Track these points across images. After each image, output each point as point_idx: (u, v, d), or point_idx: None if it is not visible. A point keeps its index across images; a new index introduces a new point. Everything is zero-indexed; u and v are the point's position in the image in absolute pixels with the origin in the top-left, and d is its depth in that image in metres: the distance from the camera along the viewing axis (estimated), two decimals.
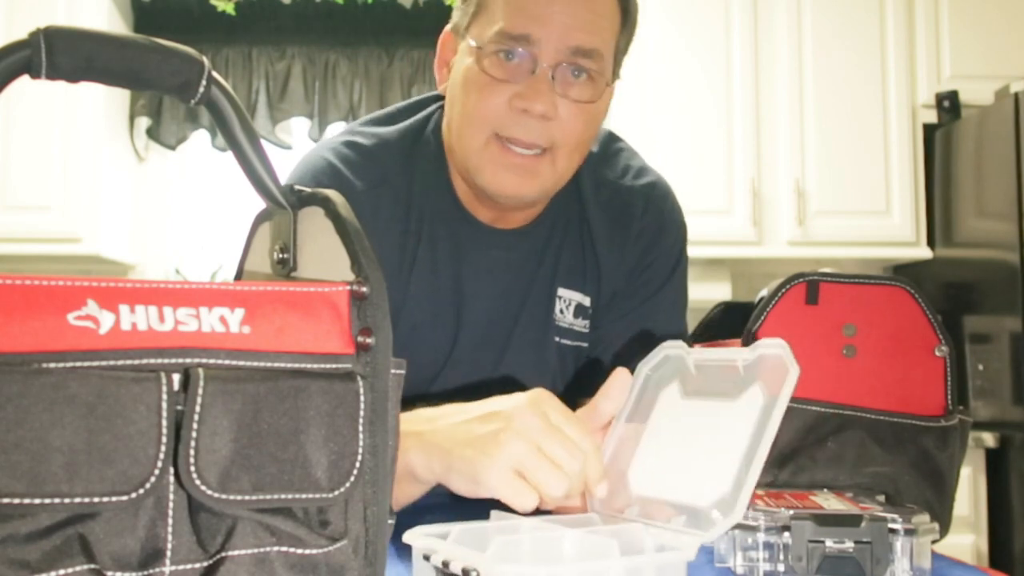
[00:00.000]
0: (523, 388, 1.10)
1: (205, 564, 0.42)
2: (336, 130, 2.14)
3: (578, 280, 1.14)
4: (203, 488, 0.40)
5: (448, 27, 1.07)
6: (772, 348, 0.78)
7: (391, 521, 0.48)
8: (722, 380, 0.82)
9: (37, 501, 0.37)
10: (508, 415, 0.77)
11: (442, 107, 1.12)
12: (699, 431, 0.81)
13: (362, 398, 0.45)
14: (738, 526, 0.73)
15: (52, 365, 0.39)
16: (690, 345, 1.15)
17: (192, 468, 0.40)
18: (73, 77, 0.45)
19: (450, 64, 1.06)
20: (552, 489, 0.74)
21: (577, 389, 1.18)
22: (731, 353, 0.82)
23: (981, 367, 2.71)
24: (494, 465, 0.74)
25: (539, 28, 0.96)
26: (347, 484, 0.44)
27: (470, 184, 1.05)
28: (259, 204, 0.55)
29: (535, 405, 0.77)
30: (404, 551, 0.73)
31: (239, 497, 0.41)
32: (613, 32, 1.02)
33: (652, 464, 0.83)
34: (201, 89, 0.48)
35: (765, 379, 0.78)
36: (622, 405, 0.87)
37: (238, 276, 0.58)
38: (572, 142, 1.01)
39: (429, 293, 1.09)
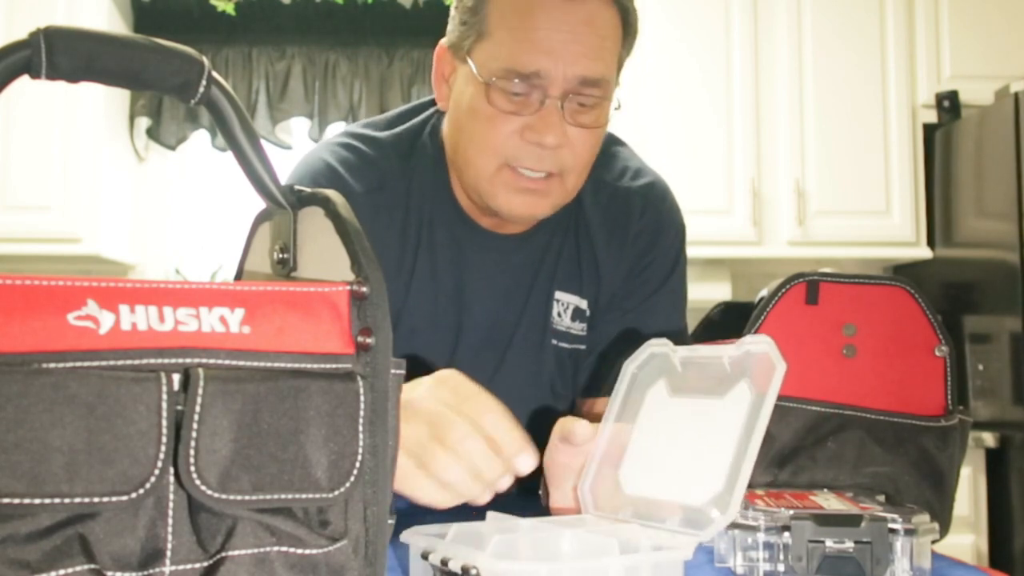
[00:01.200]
0: (521, 391, 1.11)
1: (205, 564, 0.42)
2: (336, 130, 2.14)
3: (575, 284, 1.14)
4: (203, 488, 0.40)
5: (444, 42, 1.06)
6: (759, 345, 0.78)
7: (391, 521, 0.48)
8: (709, 377, 0.82)
9: (37, 501, 0.37)
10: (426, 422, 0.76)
11: (438, 112, 1.12)
12: (688, 429, 0.81)
13: (362, 398, 0.45)
14: (738, 526, 0.73)
15: (52, 365, 0.39)
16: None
17: (192, 468, 0.40)
18: (73, 77, 0.45)
19: (449, 81, 1.05)
20: (466, 491, 0.75)
21: (580, 390, 1.18)
22: (717, 350, 0.82)
23: (981, 367, 2.71)
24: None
25: (548, 62, 0.96)
26: (347, 484, 0.44)
27: (480, 204, 1.06)
28: (259, 204, 0.55)
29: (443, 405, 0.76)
30: (402, 551, 0.73)
31: (239, 497, 0.41)
32: (616, 50, 1.02)
33: (643, 464, 0.83)
34: (201, 89, 0.48)
35: (752, 375, 0.78)
36: (610, 405, 0.87)
37: (238, 276, 0.58)
38: (581, 164, 1.03)
39: (429, 297, 1.09)
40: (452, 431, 0.75)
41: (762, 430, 0.73)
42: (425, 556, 0.67)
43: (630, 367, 0.88)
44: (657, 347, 0.88)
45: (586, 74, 0.97)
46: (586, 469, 0.85)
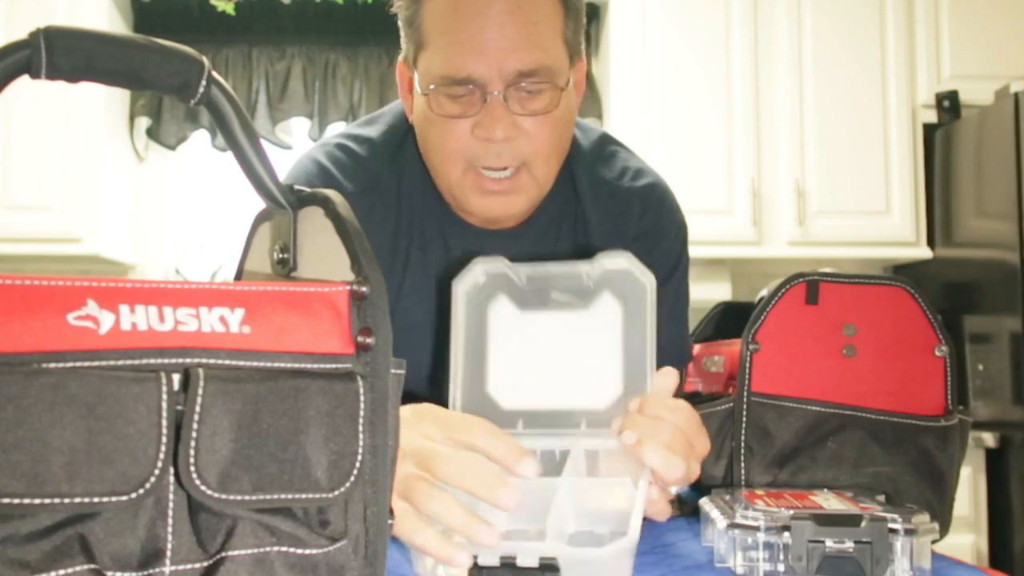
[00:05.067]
0: None
1: (205, 564, 0.42)
2: (336, 130, 2.13)
3: None
4: (203, 488, 0.40)
5: (400, 57, 1.06)
6: (618, 260, 0.82)
7: (391, 521, 0.48)
8: (564, 291, 0.84)
9: (37, 501, 0.37)
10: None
11: None
12: (556, 340, 0.82)
13: (362, 398, 0.45)
14: (738, 526, 0.73)
15: (52, 365, 0.39)
16: (691, 347, 1.15)
17: (192, 468, 0.40)
18: (73, 77, 0.45)
19: (413, 94, 1.05)
20: (445, 516, 0.67)
21: None
22: (570, 267, 0.84)
23: (981, 367, 2.71)
24: None
25: (478, 64, 0.95)
26: (347, 484, 0.44)
27: (458, 207, 1.06)
28: (259, 204, 0.55)
29: (412, 433, 0.72)
30: (403, 550, 0.73)
31: (239, 497, 0.41)
32: (555, 30, 0.99)
33: (514, 378, 0.83)
34: (201, 89, 0.48)
35: (615, 290, 0.81)
36: (454, 325, 0.86)
37: (238, 276, 0.58)
38: (545, 151, 1.00)
39: (422, 296, 1.09)
40: (444, 465, 0.70)
41: (653, 339, 0.78)
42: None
43: (459, 286, 0.87)
44: (488, 263, 0.87)
45: (521, 67, 0.96)
46: (451, 394, 0.84)
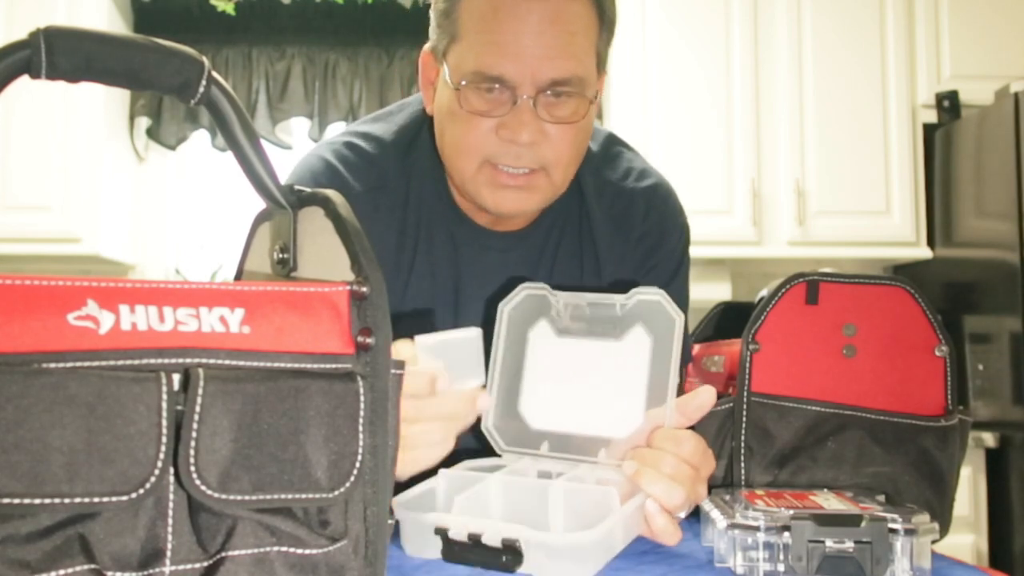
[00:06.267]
0: None
1: (205, 564, 0.42)
2: (336, 130, 2.13)
3: (574, 282, 1.14)
4: (203, 488, 0.40)
5: (427, 47, 1.06)
6: (650, 295, 0.85)
7: (391, 521, 0.48)
8: (599, 321, 0.88)
9: (37, 501, 0.37)
10: None
11: None
12: (588, 367, 0.86)
13: (362, 398, 0.45)
14: (738, 526, 0.73)
15: (52, 365, 0.39)
16: (691, 347, 1.15)
17: (192, 468, 0.40)
18: (73, 77, 0.45)
19: (435, 85, 1.05)
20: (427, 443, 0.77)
21: None
22: (605, 297, 0.88)
23: (981, 367, 2.71)
24: None
25: (513, 67, 0.95)
26: (347, 484, 0.44)
27: (471, 202, 1.06)
28: (259, 204, 0.55)
29: None
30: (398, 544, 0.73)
31: (239, 497, 0.41)
32: (591, 41, 1.00)
33: (546, 400, 0.88)
34: (201, 89, 0.48)
35: (646, 321, 0.85)
36: (495, 344, 0.91)
37: (238, 276, 0.58)
38: (565, 158, 1.01)
39: (427, 297, 1.09)
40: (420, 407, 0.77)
41: (676, 374, 0.81)
42: (442, 532, 0.68)
43: (505, 308, 0.92)
44: (533, 289, 0.92)
45: (555, 76, 0.96)
46: (486, 408, 0.89)
